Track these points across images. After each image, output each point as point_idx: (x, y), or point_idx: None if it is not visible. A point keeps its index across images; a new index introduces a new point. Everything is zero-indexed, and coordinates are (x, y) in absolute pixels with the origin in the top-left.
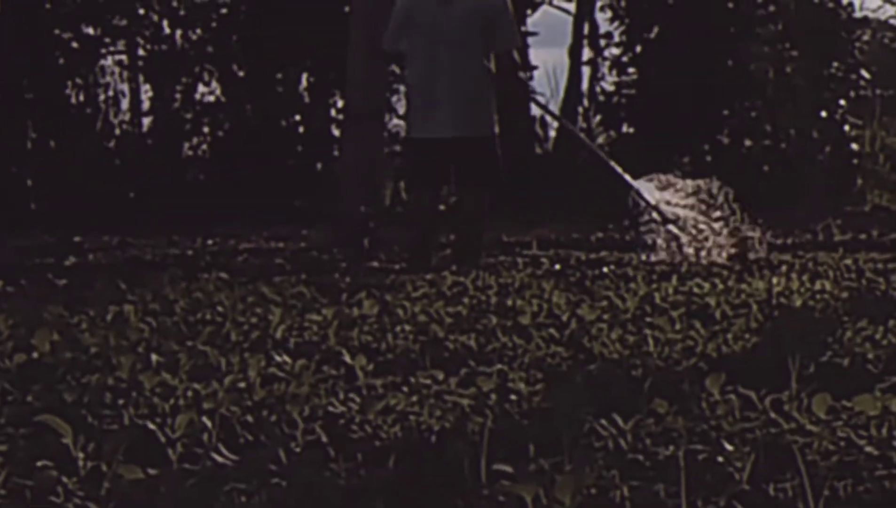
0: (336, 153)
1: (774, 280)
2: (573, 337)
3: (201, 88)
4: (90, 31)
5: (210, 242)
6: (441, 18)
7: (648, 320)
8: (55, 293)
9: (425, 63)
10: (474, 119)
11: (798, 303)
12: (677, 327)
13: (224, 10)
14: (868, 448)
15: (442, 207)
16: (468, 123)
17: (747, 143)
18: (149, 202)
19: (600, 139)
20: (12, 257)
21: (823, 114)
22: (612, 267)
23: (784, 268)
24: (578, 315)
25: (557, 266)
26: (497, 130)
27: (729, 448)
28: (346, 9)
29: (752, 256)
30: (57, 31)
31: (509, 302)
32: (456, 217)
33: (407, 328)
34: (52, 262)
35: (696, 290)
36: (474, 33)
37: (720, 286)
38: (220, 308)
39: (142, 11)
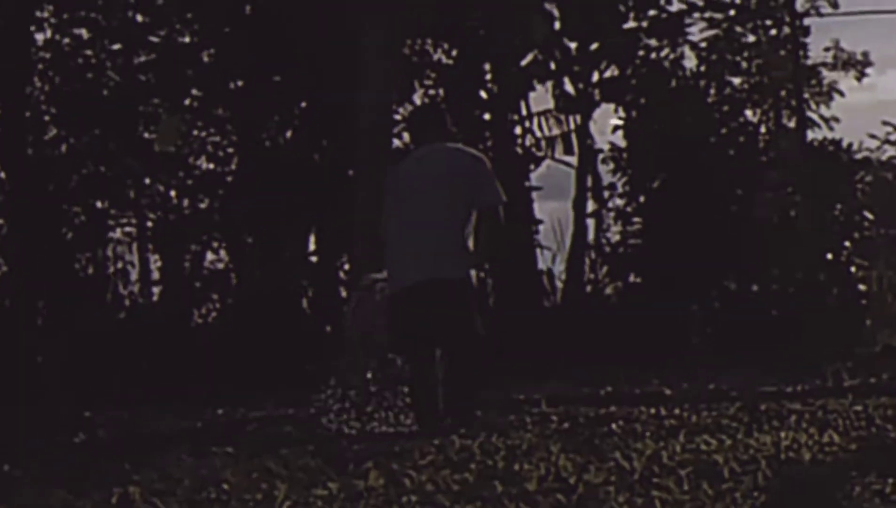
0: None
1: (783, 434)
2: (580, 502)
3: (210, 256)
4: (98, 204)
5: (220, 411)
6: (417, 177)
7: (656, 480)
8: (61, 475)
9: (399, 218)
10: (443, 264)
11: (807, 457)
12: (685, 487)
13: (230, 178)
14: None
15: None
16: (436, 267)
17: (755, 288)
18: (160, 373)
19: (608, 290)
20: (21, 436)
21: (829, 256)
22: (621, 423)
23: (793, 418)
24: (585, 479)
25: (566, 425)
26: (472, 278)
27: None
28: (350, 172)
29: None
30: (65, 206)
31: (516, 466)
32: (444, 377)
33: (413, 498)
34: (62, 439)
35: (703, 447)
36: (446, 189)
37: (728, 442)
38: (225, 486)
39: (148, 181)
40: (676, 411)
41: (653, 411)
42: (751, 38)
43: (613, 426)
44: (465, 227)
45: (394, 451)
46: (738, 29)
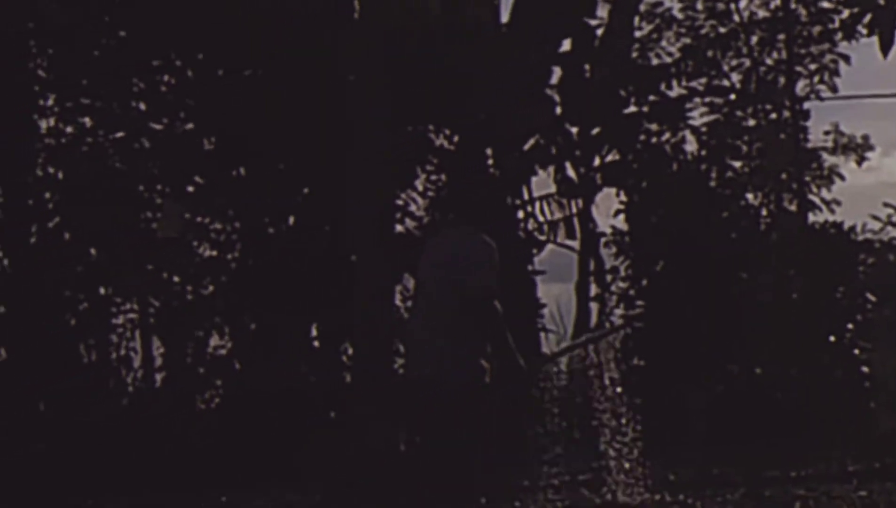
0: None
1: None
2: None
3: (213, 342)
4: (101, 290)
5: (224, 498)
6: (424, 265)
7: None
8: None
9: (410, 311)
10: (432, 361)
11: None
12: None
13: (233, 264)
14: None
15: None
16: (426, 363)
17: (757, 371)
18: (163, 459)
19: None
20: None
21: (832, 339)
22: None
23: (798, 504)
24: None
25: None
26: (475, 377)
27: None
28: (353, 257)
29: None
30: (68, 293)
31: None
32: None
33: None
34: None
35: None
36: (438, 278)
37: None
38: None
39: (151, 268)
40: (681, 497)
41: (657, 497)
42: (751, 123)
43: None
44: (458, 318)
45: None
46: (739, 113)
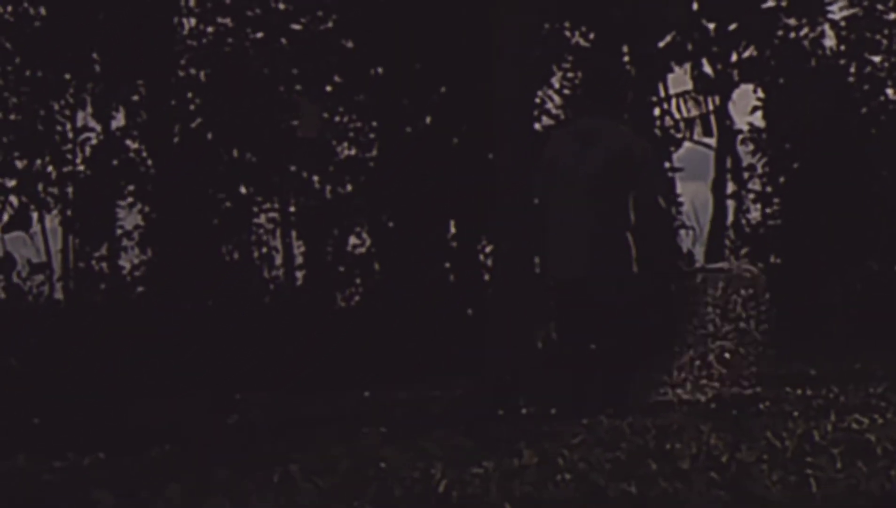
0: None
1: None
2: (734, 481)
3: (352, 240)
4: (243, 190)
5: (367, 393)
6: (580, 160)
7: (809, 459)
8: (220, 455)
9: (561, 204)
10: (601, 259)
11: None
12: (839, 465)
13: (371, 164)
14: None
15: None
16: (594, 263)
17: None
18: (304, 356)
19: None
20: (174, 418)
21: None
22: (769, 403)
23: None
24: (738, 458)
25: (714, 405)
26: (633, 270)
27: None
28: (490, 156)
29: None
30: (210, 192)
31: (668, 446)
32: (600, 359)
33: (567, 476)
34: (216, 421)
35: (855, 426)
36: (610, 176)
37: (880, 421)
38: (382, 464)
39: (293, 168)
40: (824, 391)
41: (800, 391)
42: (892, 16)
43: (761, 406)
44: (626, 217)
45: (543, 431)
46: (879, 7)
